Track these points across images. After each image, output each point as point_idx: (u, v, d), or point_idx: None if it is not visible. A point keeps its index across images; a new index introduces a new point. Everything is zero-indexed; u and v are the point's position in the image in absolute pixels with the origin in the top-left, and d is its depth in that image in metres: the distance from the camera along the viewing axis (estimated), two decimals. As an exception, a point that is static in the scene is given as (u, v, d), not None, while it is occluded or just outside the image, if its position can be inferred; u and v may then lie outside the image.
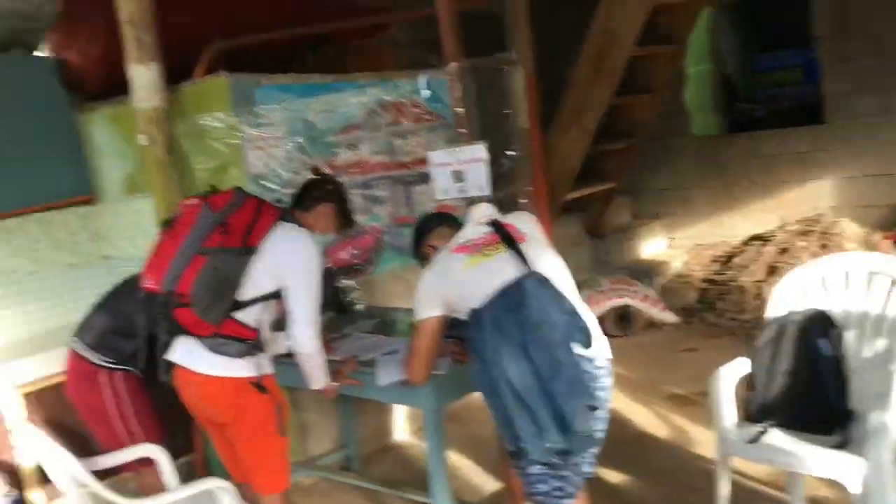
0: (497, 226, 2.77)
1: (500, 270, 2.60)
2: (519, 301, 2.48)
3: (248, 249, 2.84)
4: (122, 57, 4.12)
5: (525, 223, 2.84)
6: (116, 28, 4.13)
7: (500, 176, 3.52)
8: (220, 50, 5.07)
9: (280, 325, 3.09)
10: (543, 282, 2.53)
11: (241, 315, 2.84)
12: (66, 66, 5.00)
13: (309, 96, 4.35)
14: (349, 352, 3.44)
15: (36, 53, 4.97)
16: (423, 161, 4.89)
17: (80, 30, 4.84)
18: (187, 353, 2.86)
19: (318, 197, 3.18)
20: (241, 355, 2.84)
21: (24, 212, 4.71)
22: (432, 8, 5.60)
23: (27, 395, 4.00)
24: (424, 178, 4.89)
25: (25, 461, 3.89)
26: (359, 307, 4.13)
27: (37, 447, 3.29)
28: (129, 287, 3.47)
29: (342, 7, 5.58)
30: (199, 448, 4.22)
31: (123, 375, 3.39)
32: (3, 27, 4.52)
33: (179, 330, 2.82)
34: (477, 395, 2.73)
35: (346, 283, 4.18)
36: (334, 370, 3.17)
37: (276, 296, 2.94)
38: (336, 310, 3.92)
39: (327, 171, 3.62)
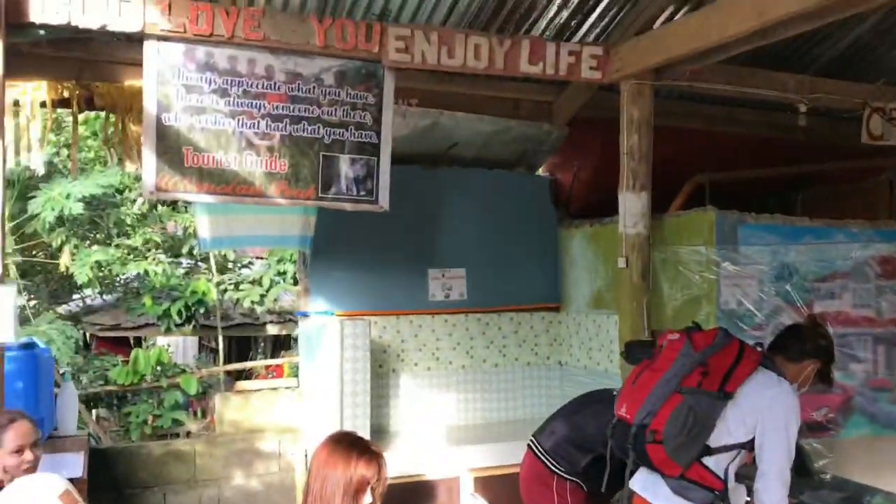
0: None
1: None
2: None
3: (725, 394, 2.76)
4: (607, 182, 4.41)
5: None
6: (608, 157, 4.45)
7: None
8: (700, 183, 5.19)
9: (742, 477, 2.93)
10: None
11: (709, 461, 2.75)
12: (557, 185, 5.55)
13: (794, 239, 4.17)
14: (812, 524, 3.11)
15: (535, 173, 5.57)
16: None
17: (577, 156, 5.34)
18: (651, 487, 2.85)
19: (809, 351, 2.98)
20: (703, 503, 2.73)
21: (501, 310, 5.26)
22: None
23: (476, 479, 4.36)
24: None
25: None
26: (825, 475, 3.74)
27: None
28: (591, 403, 3.60)
29: (832, 148, 5.33)
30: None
31: (573, 486, 3.47)
32: (516, 149, 5.17)
33: (646, 463, 2.82)
34: None
35: (813, 444, 3.83)
36: (795, 540, 2.89)
37: (746, 446, 2.80)
38: (797, 472, 3.59)
39: (822, 322, 3.38)
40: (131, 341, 11.18)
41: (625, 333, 4.20)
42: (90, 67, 4.04)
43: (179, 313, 8.78)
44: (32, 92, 3.96)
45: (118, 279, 9.66)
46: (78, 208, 7.26)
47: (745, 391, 2.79)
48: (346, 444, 2.52)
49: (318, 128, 3.85)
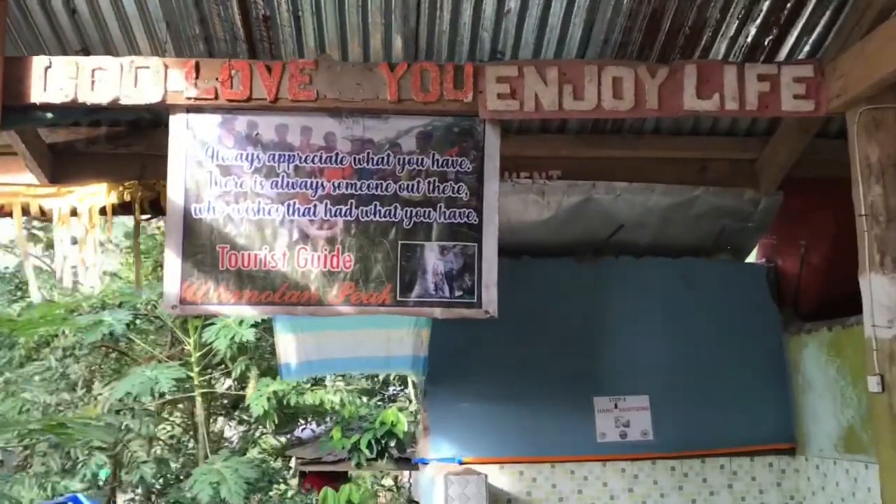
0: None
1: None
2: None
3: None
4: (850, 267, 3.00)
5: None
6: (847, 230, 3.02)
7: None
8: None
9: None
10: None
11: None
12: (778, 275, 4.09)
13: None
14: None
15: (744, 260, 4.19)
16: None
17: (802, 232, 3.92)
18: None
19: None
20: None
21: (706, 454, 3.90)
22: None
23: None
24: None
25: None
26: None
27: None
28: None
29: None
30: None
31: None
32: (709, 227, 3.87)
33: None
34: None
35: None
36: None
37: None
38: None
39: None
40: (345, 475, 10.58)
41: (890, 493, 2.81)
42: (153, 163, 3.42)
43: (369, 446, 7.99)
44: (90, 198, 3.40)
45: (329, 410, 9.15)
46: (249, 335, 6.85)
47: None
48: None
49: (395, 209, 2.88)
